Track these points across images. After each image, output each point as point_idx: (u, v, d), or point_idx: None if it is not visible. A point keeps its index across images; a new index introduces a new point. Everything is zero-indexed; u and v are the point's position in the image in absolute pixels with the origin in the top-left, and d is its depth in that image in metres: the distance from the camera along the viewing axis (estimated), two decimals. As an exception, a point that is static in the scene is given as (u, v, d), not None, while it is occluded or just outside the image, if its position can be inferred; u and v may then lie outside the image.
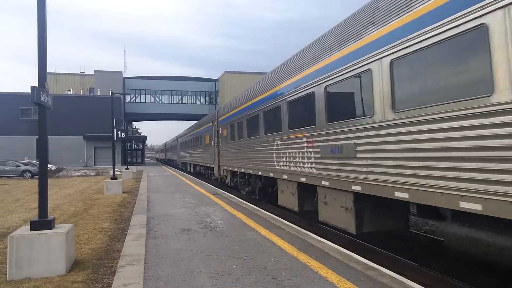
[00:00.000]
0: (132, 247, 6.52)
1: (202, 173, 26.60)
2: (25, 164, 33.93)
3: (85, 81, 62.97)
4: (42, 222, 5.44)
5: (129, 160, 55.92)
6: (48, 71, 5.99)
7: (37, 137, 5.87)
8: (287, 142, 9.27)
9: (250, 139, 12.65)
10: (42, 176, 5.74)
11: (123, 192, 16.35)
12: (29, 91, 5.47)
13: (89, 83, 61.88)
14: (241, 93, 15.69)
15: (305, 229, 8.17)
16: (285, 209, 10.71)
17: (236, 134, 14.57)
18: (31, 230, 5.33)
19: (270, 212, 10.62)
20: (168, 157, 63.15)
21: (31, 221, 5.44)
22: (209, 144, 21.22)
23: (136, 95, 63.42)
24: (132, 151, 64.52)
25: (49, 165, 30.44)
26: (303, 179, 8.47)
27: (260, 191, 12.82)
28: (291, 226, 8.20)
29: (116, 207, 11.98)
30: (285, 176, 9.50)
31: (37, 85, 5.56)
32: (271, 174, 10.65)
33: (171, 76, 66.77)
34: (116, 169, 19.25)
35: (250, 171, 12.80)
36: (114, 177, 17.41)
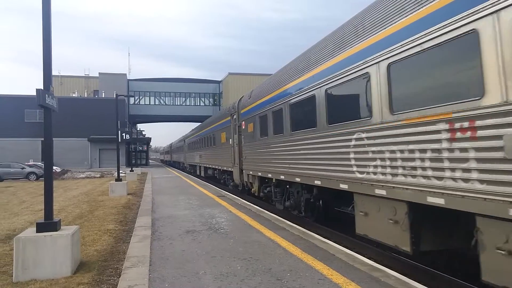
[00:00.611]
0: (137, 248, 6.54)
1: (216, 178, 22.51)
2: (30, 166, 34.12)
3: (89, 83, 63.26)
4: (48, 224, 5.47)
5: (133, 162, 56.08)
6: (52, 73, 6.03)
7: (42, 139, 5.90)
8: (385, 133, 5.65)
9: (297, 133, 8.95)
10: (48, 178, 5.77)
11: (128, 194, 16.40)
12: (33, 93, 5.51)
13: (93, 85, 62.20)
14: (275, 74, 11.67)
15: (310, 231, 8.16)
16: (375, 243, 7.22)
17: (271, 128, 10.86)
18: (37, 232, 5.36)
19: (274, 214, 10.60)
20: (174, 158, 59.16)
21: (37, 223, 5.47)
22: (226, 143, 17.45)
23: (140, 97, 63.76)
24: (137, 153, 64.73)
25: (54, 167, 30.61)
26: (437, 201, 4.67)
27: (308, 206, 9.45)
28: (296, 228, 8.19)
29: (121, 209, 12.02)
30: (381, 192, 5.80)
31: (42, 88, 5.60)
32: (344, 186, 6.93)
33: (175, 78, 67.09)
34: (120, 171, 19.32)
35: (297, 180, 9.10)
36: (118, 179, 17.47)
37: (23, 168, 32.53)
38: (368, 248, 7.65)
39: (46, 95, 5.56)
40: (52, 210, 5.66)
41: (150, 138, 66.46)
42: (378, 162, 5.86)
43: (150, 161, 79.75)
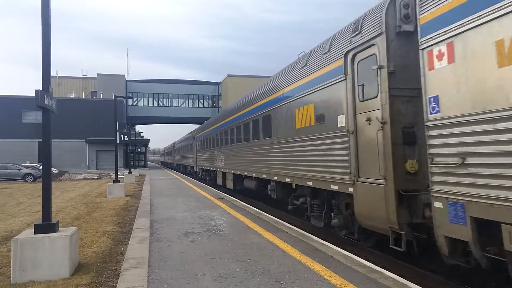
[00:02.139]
0: (135, 250, 6.53)
1: (271, 199, 12.06)
2: (27, 167, 34.01)
3: (87, 84, 63.19)
4: (46, 226, 5.45)
5: (131, 163, 56.06)
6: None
7: (39, 140, 5.92)
8: None
9: None
10: (46, 179, 5.76)
11: (126, 196, 16.36)
12: (30, 94, 5.51)
13: (91, 86, 62.14)
14: None
15: (308, 232, 8.17)
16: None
17: None
18: (35, 234, 5.34)
19: (273, 216, 10.60)
20: (178, 161, 49.26)
21: (35, 224, 5.45)
22: (320, 125, 8.14)
23: (139, 99, 63.74)
24: (135, 154, 64.67)
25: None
26: None
27: None
28: (294, 230, 8.20)
29: (119, 211, 12.00)
30: None
31: (41, 89, 5.59)
32: None
33: (173, 79, 67.14)
34: (118, 173, 19.28)
35: None
36: (116, 181, 17.44)
37: (19, 170, 32.39)
38: (366, 250, 7.67)
39: (45, 96, 5.56)
40: (50, 211, 5.64)
41: (149, 139, 66.53)
42: None
43: (148, 163, 79.64)
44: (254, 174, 13.06)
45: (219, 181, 20.13)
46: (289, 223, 9.28)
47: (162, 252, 6.40)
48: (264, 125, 11.91)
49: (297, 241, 7.00)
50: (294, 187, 9.71)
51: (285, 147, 10.02)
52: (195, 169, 30.81)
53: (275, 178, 10.85)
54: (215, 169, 21.26)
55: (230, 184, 17.41)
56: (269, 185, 11.59)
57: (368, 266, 5.45)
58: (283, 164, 10.19)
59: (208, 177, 24.61)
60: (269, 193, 11.65)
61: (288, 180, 9.90)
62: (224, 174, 18.79)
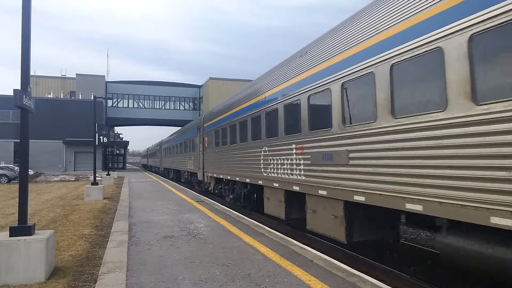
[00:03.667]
0: (113, 254, 6.43)
1: None
2: (1, 168, 32.98)
3: (66, 84, 61.86)
4: (22, 228, 5.32)
5: (110, 165, 55.03)
6: (31, 74, 5.90)
7: (15, 140, 5.79)
8: None
9: None
10: (23, 180, 5.63)
11: (104, 198, 16.08)
12: (6, 93, 5.39)
13: (70, 86, 60.85)
14: None
15: (289, 237, 8.23)
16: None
17: None
18: (10, 236, 5.21)
19: (254, 220, 10.62)
20: (166, 164, 37.62)
21: (10, 227, 5.32)
22: None
23: (119, 100, 62.75)
24: (113, 156, 63.50)
25: (27, 170, 29.48)
26: None
27: None
28: (275, 234, 8.24)
29: (97, 213, 11.79)
30: None
31: (20, 88, 5.48)
32: None
33: (154, 81, 66.49)
34: (96, 175, 18.93)
35: None
36: (94, 183, 17.12)
37: (-7, 170, 31.40)
38: (345, 254, 7.77)
39: (24, 95, 5.45)
40: (27, 213, 5.51)
41: (128, 141, 65.43)
42: None
43: (127, 165, 78.41)
44: None
45: (270, 209, 10.53)
46: (270, 227, 9.32)
47: (141, 256, 6.33)
48: None
49: (278, 245, 7.04)
50: None
51: None
52: (200, 178, 20.30)
53: None
54: (259, 182, 10.94)
55: (335, 230, 7.21)
56: None
57: (347, 270, 5.53)
58: None
59: (232, 194, 14.57)
60: None
61: None
62: (290, 195, 9.31)
